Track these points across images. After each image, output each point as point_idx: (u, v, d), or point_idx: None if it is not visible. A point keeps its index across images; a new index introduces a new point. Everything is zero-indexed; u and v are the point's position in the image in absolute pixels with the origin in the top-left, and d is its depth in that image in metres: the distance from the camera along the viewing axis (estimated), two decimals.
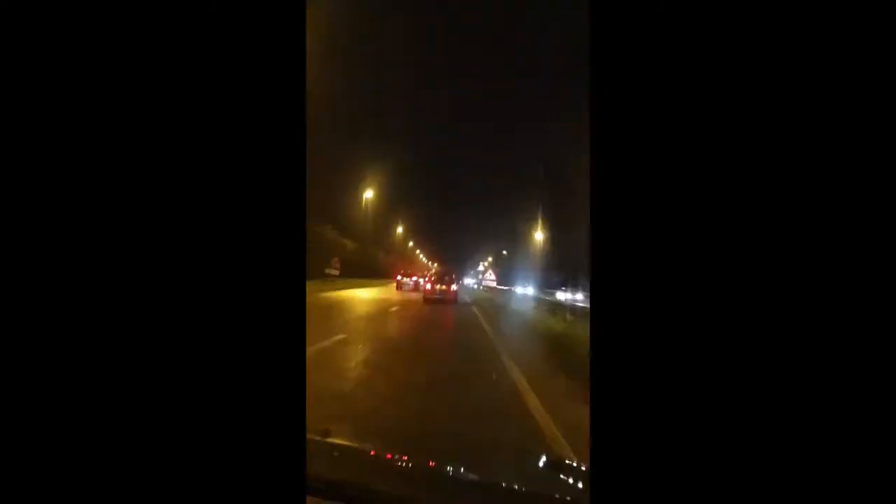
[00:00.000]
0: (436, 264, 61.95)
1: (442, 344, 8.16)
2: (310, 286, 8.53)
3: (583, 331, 9.01)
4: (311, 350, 5.59)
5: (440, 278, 19.11)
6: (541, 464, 1.49)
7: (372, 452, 1.38)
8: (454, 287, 18.72)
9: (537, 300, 21.48)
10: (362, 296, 18.51)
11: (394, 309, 13.74)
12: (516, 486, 1.15)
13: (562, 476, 1.27)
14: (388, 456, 1.35)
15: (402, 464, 1.27)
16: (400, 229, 50.40)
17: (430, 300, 17.51)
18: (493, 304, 20.52)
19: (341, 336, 7.33)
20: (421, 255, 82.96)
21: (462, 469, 1.29)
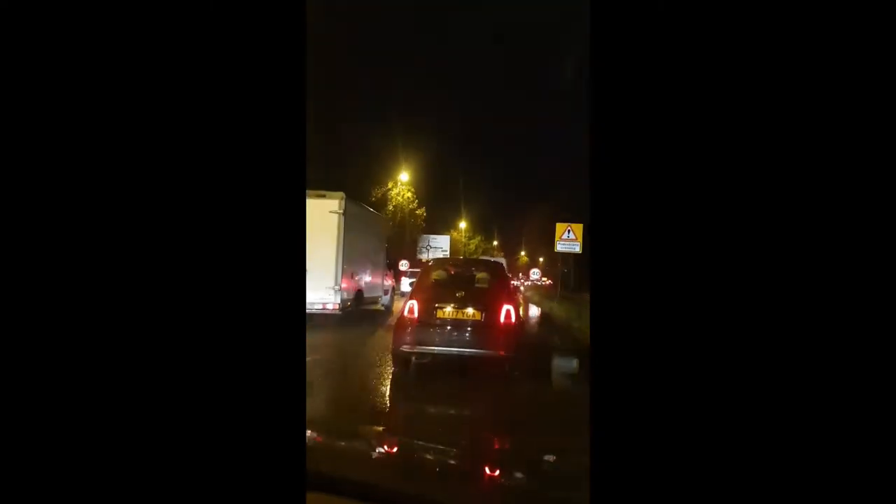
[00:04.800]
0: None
1: None
2: None
3: None
4: None
5: (458, 282, 5.63)
6: (541, 463, 1.51)
7: (377, 448, 1.38)
8: (507, 312, 5.08)
9: None
10: None
11: None
12: (517, 485, 1.17)
13: (562, 475, 1.29)
14: (392, 451, 1.35)
15: (405, 460, 1.28)
16: (405, 176, 26.11)
17: (412, 359, 5.41)
18: None
19: None
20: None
21: (464, 466, 1.31)
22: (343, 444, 1.32)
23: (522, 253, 65.94)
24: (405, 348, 5.15)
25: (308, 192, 8.57)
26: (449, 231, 35.01)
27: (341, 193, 9.06)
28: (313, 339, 6.80)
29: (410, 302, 5.33)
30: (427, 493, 1.00)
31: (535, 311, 17.74)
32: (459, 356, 5.03)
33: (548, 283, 41.88)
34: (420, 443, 1.47)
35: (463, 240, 39.86)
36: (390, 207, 24.61)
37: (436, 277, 5.76)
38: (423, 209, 26.41)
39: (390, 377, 5.16)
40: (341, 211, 8.77)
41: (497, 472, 1.23)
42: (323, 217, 8.61)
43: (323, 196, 8.85)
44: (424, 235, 24.24)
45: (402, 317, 5.36)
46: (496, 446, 2.87)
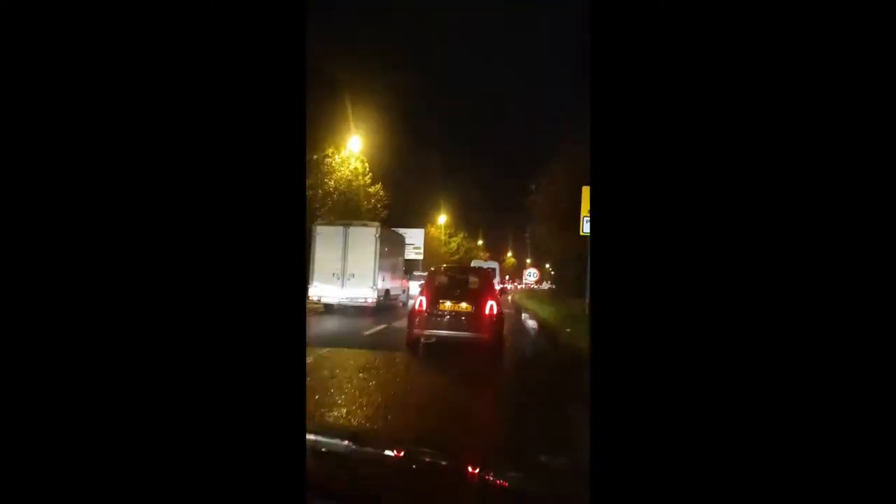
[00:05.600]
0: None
1: None
2: None
3: None
4: None
5: (456, 284, 7.41)
6: (541, 464, 1.51)
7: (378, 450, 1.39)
8: (490, 307, 6.86)
9: None
10: None
11: None
12: (517, 486, 1.16)
13: (562, 476, 1.28)
14: (391, 455, 1.36)
15: (404, 463, 1.29)
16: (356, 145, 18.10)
17: (422, 343, 7.04)
18: None
19: None
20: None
21: (464, 469, 1.30)
22: (343, 447, 1.33)
23: (509, 254, 62.42)
24: (416, 332, 6.85)
25: (355, 221, 12.73)
26: (425, 225, 29.53)
27: (378, 223, 13.18)
28: (364, 319, 10.97)
29: (420, 298, 7.01)
30: (426, 497, 1.00)
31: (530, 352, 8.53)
32: (456, 338, 6.72)
33: (546, 287, 34.70)
34: (418, 446, 1.50)
35: (442, 237, 34.28)
36: (330, 183, 17.12)
37: (439, 281, 7.56)
38: (379, 186, 19.18)
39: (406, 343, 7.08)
40: (378, 235, 12.74)
41: (495, 474, 1.22)
42: (366, 239, 12.58)
43: (367, 225, 12.99)
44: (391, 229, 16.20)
45: (413, 309, 7.04)
46: (493, 444, 2.96)
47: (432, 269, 10.47)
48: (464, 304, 6.88)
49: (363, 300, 12.46)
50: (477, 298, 6.95)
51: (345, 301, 12.31)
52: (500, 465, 1.35)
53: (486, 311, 6.80)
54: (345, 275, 12.39)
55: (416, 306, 6.99)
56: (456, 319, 6.79)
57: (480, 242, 46.67)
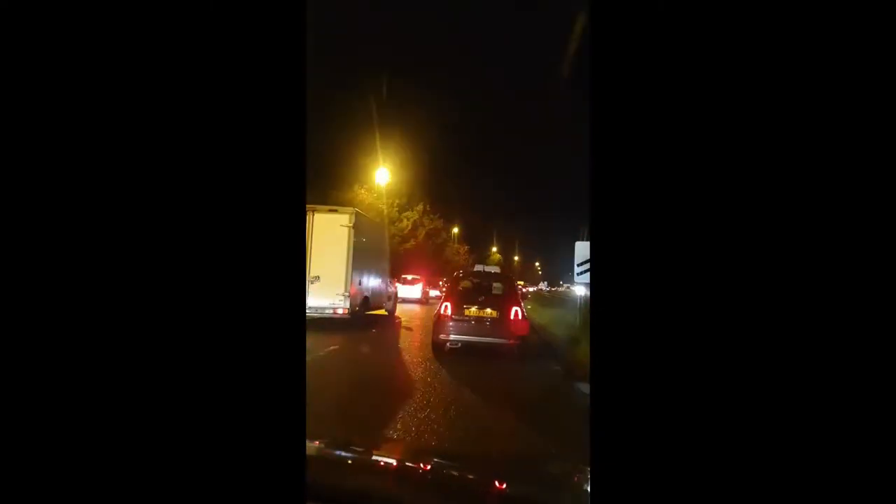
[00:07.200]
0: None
1: None
2: None
3: None
4: None
5: (478, 289, 7.74)
6: (542, 469, 1.51)
7: (377, 460, 1.38)
8: (515, 312, 7.24)
9: None
10: None
11: None
12: (517, 493, 1.18)
13: (563, 481, 1.31)
14: (392, 462, 1.35)
15: (406, 470, 1.28)
16: None
17: (447, 345, 7.22)
18: None
19: None
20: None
21: (465, 475, 1.31)
22: (341, 453, 1.32)
23: (494, 249, 54.97)
24: (442, 337, 7.16)
25: (320, 207, 9.50)
26: (354, 187, 21.14)
27: (352, 209, 9.96)
28: (332, 336, 8.32)
29: (445, 303, 7.32)
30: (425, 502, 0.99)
31: None
32: (480, 343, 7.08)
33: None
34: (418, 451, 1.47)
35: (384, 209, 22.81)
36: None
37: (463, 286, 7.86)
38: None
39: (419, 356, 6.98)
40: (351, 225, 9.59)
41: (495, 479, 1.24)
42: (334, 230, 9.44)
43: (335, 211, 9.69)
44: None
45: (439, 315, 7.31)
46: (494, 449, 2.95)
47: (456, 273, 9.99)
48: (488, 310, 7.16)
49: (331, 310, 9.40)
50: (501, 304, 7.26)
51: (307, 311, 9.23)
52: (503, 473, 1.34)
53: (511, 317, 7.12)
54: (307, 277, 9.28)
55: (442, 311, 7.25)
56: (481, 324, 7.11)
57: (456, 230, 36.84)
